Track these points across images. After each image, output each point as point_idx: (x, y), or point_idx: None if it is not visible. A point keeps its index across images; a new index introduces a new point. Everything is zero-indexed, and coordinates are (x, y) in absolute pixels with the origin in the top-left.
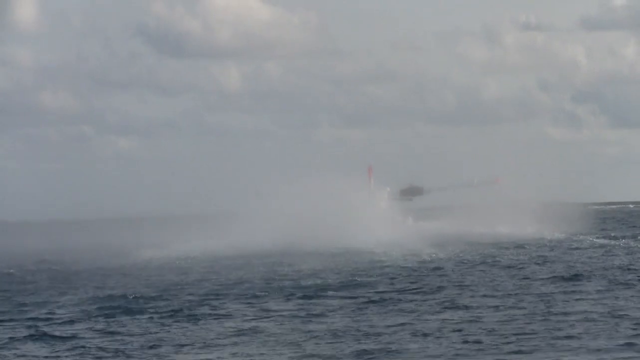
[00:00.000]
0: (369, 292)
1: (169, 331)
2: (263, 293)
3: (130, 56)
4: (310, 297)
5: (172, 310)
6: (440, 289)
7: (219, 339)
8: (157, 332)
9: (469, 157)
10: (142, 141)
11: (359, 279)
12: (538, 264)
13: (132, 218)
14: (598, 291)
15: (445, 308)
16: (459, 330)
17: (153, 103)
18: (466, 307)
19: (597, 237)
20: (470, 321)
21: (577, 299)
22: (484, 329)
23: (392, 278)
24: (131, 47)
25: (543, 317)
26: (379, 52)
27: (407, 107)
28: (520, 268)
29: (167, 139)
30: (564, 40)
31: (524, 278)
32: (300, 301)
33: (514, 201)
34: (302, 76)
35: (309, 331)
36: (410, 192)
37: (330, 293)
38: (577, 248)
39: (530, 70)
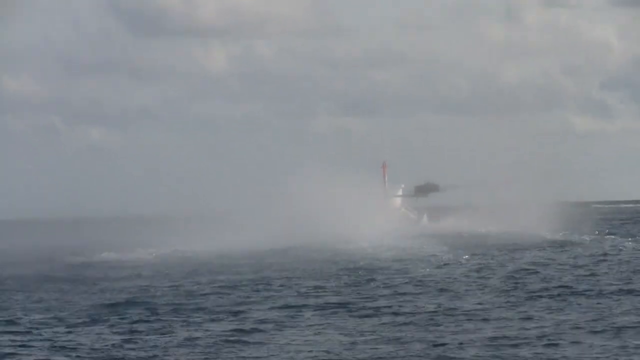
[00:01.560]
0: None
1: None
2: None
3: (103, 36)
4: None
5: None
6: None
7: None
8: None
9: (484, 149)
10: (117, 132)
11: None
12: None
13: (105, 218)
14: None
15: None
16: None
17: (129, 89)
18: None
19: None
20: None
21: None
22: None
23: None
24: (103, 26)
25: None
26: (384, 31)
27: (415, 94)
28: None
29: (145, 130)
30: (591, 18)
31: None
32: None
33: (534, 201)
34: (297, 58)
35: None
36: (426, 190)
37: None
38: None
39: (553, 52)
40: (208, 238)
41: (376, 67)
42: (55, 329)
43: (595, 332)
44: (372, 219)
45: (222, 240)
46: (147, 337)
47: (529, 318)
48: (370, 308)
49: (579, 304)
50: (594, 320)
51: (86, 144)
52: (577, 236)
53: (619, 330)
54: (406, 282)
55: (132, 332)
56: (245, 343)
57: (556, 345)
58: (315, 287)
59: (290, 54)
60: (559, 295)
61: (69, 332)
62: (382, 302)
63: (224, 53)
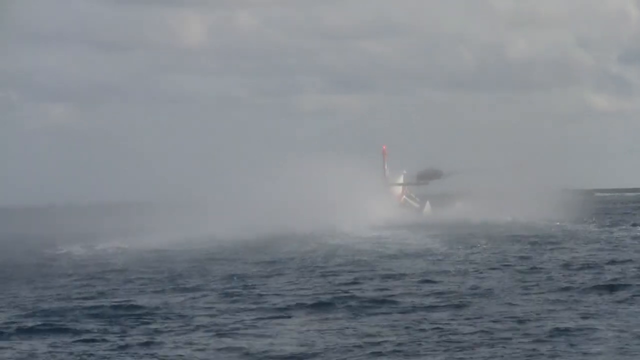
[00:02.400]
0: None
1: None
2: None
3: (63, 3)
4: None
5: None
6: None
7: None
8: None
9: (490, 130)
10: (79, 110)
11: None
12: None
13: (68, 205)
14: None
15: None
16: None
17: (92, 62)
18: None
19: None
20: None
21: None
22: None
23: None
24: None
25: None
26: None
27: (413, 69)
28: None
29: (110, 107)
30: None
31: None
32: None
33: (544, 187)
34: (281, 29)
35: None
36: (429, 176)
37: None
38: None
39: (567, 23)
40: (172, 228)
41: (369, 38)
42: None
43: None
44: (368, 207)
45: (189, 230)
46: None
47: None
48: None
49: None
50: None
51: (46, 123)
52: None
53: None
54: (392, 281)
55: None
56: None
57: None
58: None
59: (273, 25)
60: None
61: None
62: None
63: (200, 23)
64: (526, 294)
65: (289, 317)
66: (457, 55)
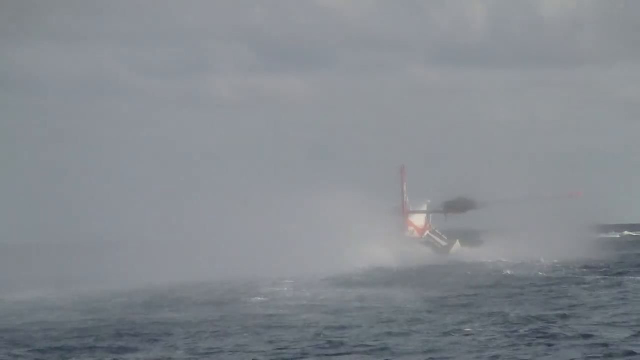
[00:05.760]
0: None
1: None
2: None
3: None
4: None
5: None
6: None
7: None
8: None
9: (510, 127)
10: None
11: None
12: None
13: None
14: None
15: None
16: None
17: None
18: None
19: None
20: None
21: None
22: None
23: None
24: None
25: None
26: None
27: (399, 37)
28: None
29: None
30: None
31: None
32: None
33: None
34: None
35: None
36: (459, 206)
37: None
38: None
39: None
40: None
41: None
42: None
43: None
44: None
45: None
46: None
47: None
48: None
49: None
50: None
51: None
52: None
53: None
54: None
55: None
56: None
57: None
58: None
59: None
60: None
61: None
62: None
63: None
64: None
65: None
66: (460, 17)
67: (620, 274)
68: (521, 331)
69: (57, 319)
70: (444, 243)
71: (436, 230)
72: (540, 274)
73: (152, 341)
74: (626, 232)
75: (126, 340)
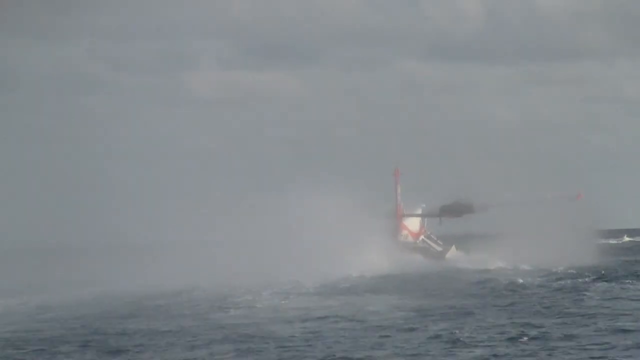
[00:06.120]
0: None
1: None
2: None
3: None
4: None
5: None
6: None
7: None
8: None
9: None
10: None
11: None
12: None
13: None
14: None
15: None
16: None
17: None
18: None
19: None
20: None
21: None
22: None
23: None
24: None
25: None
26: None
27: (388, 28)
28: None
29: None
30: None
31: None
32: None
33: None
34: None
35: None
36: (455, 210)
37: None
38: None
39: None
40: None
41: None
42: None
43: None
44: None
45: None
46: None
47: None
48: None
49: None
50: None
51: None
52: None
53: None
54: None
55: None
56: None
57: None
58: None
59: None
60: None
61: None
62: None
63: None
64: None
65: None
66: (456, 6)
67: (620, 280)
68: (520, 339)
69: (17, 329)
70: (439, 248)
71: (431, 235)
72: (540, 279)
73: (119, 352)
74: (627, 238)
75: (94, 352)
